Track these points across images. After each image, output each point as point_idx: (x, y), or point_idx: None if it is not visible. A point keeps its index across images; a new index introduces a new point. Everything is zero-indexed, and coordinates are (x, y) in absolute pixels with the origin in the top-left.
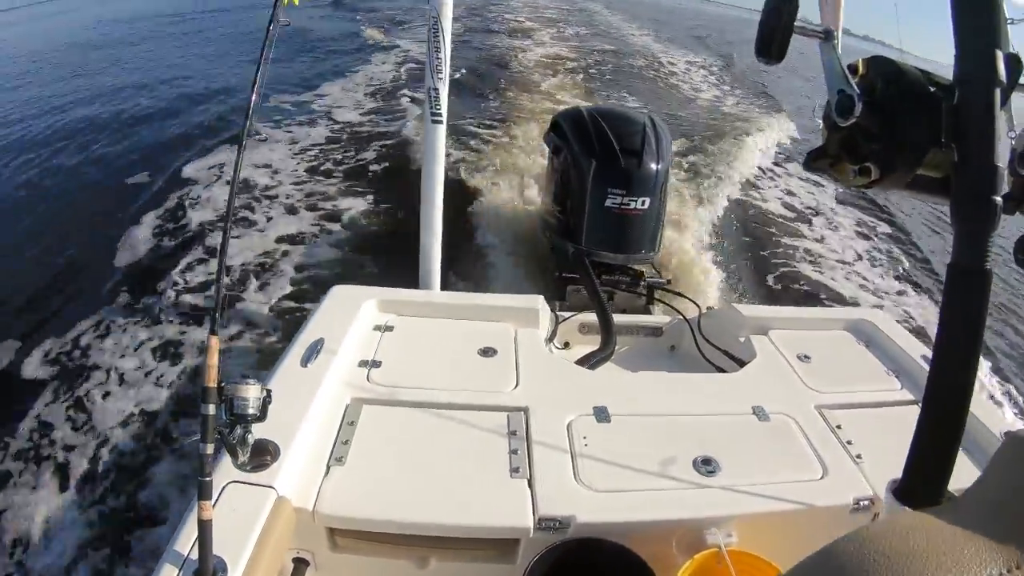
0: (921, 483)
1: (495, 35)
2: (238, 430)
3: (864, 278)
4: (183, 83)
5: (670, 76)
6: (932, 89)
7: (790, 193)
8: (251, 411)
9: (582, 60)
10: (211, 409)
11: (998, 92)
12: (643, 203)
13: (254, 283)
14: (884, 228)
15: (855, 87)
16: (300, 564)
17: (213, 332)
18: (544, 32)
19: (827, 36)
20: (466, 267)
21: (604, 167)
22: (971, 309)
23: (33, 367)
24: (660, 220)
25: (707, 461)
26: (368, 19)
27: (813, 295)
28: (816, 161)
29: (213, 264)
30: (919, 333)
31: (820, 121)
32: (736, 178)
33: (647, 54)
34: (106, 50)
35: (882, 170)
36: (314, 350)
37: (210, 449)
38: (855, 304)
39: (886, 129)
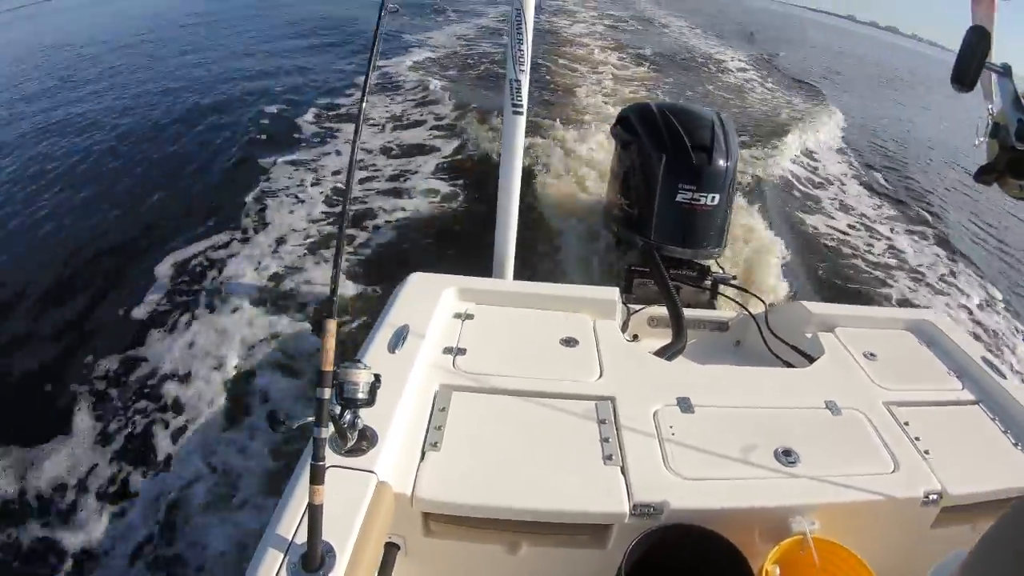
0: None
1: (547, 31)
2: (347, 414)
3: (916, 280)
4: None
5: (720, 71)
6: None
7: (839, 188)
8: (361, 395)
9: (634, 53)
10: (327, 393)
11: None
12: (712, 199)
13: (325, 267)
14: (930, 230)
15: None
16: (391, 548)
17: (330, 316)
18: (597, 26)
19: (1006, 71)
20: (531, 257)
21: (675, 162)
22: None
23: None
24: (727, 216)
25: (787, 452)
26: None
27: (867, 295)
28: (984, 176)
29: (292, 249)
30: (974, 336)
31: (982, 140)
32: (783, 174)
33: (696, 50)
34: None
35: None
36: (400, 336)
37: (325, 433)
38: (909, 304)
39: None
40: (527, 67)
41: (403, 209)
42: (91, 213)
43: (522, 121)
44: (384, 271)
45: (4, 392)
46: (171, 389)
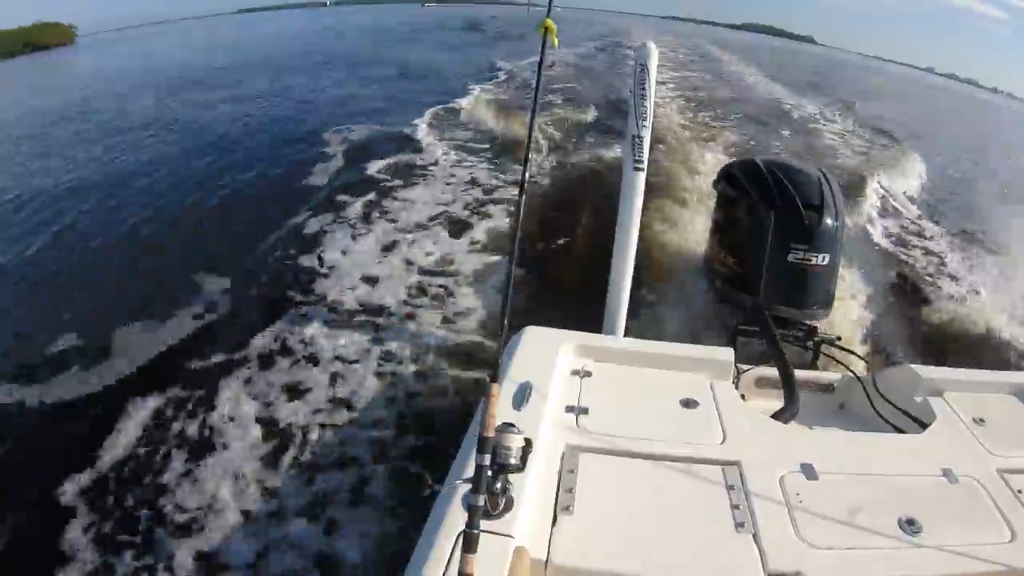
0: None
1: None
2: (500, 480)
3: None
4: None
5: (798, 121)
6: None
7: (927, 240)
8: (513, 461)
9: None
10: (487, 460)
11: None
12: (823, 259)
13: (437, 314)
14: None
15: None
16: None
17: (494, 379)
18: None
19: None
20: (634, 310)
21: (786, 221)
22: None
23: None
24: (836, 277)
25: (911, 521)
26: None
27: (969, 354)
28: None
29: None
30: None
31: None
32: (872, 228)
33: (770, 101)
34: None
35: None
36: (524, 394)
37: (481, 500)
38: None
39: None
40: (649, 123)
41: (503, 254)
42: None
43: (642, 177)
44: (492, 323)
45: None
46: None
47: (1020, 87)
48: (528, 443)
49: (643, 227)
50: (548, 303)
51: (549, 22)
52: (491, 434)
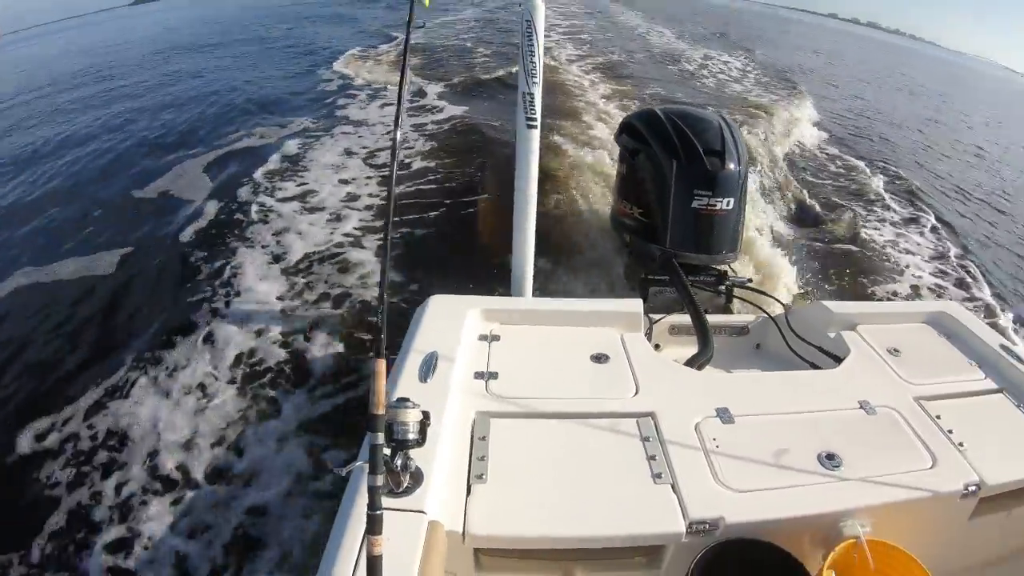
0: None
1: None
2: (399, 457)
3: (927, 272)
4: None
5: (699, 73)
6: None
7: (836, 182)
8: (412, 436)
9: (613, 60)
10: (380, 438)
11: None
12: (727, 203)
13: (338, 290)
14: (931, 220)
15: None
16: None
17: (380, 355)
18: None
19: None
20: (544, 272)
21: (688, 168)
22: None
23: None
24: (741, 220)
25: (830, 456)
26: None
27: (876, 289)
28: None
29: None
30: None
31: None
32: (779, 170)
33: (675, 53)
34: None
35: None
36: (430, 365)
37: (380, 480)
38: (923, 297)
39: None
40: (539, 79)
41: (409, 228)
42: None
43: (536, 135)
44: (400, 296)
45: None
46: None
47: (919, 27)
48: (426, 416)
49: (549, 185)
50: (456, 271)
51: None
52: (381, 412)
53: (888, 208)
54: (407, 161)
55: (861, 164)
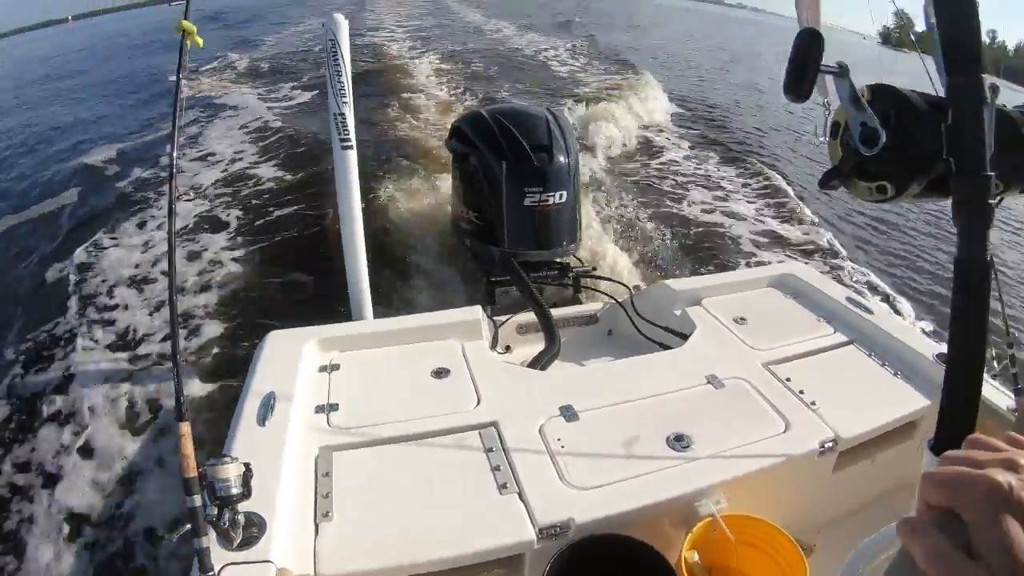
0: (949, 437)
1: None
2: (226, 513)
3: (770, 237)
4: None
5: (542, 62)
6: (930, 111)
7: (675, 161)
8: (235, 490)
9: (455, 58)
10: (197, 500)
11: (985, 110)
12: (560, 196)
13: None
14: (765, 183)
15: (877, 120)
16: None
17: (181, 419)
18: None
19: (843, 71)
20: (389, 290)
21: (517, 167)
22: (982, 290)
23: None
24: (577, 211)
25: (679, 437)
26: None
27: (726, 261)
28: (831, 180)
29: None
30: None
31: (823, 139)
32: (617, 155)
33: (515, 47)
34: None
35: (897, 187)
36: (268, 406)
37: (206, 542)
38: (766, 262)
39: (901, 153)
40: (350, 98)
41: (242, 270)
42: None
43: (353, 155)
44: (239, 338)
45: None
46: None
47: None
48: (247, 467)
49: (381, 200)
50: (298, 303)
51: (186, 24)
52: (193, 475)
53: (724, 178)
54: (217, 194)
55: (695, 140)
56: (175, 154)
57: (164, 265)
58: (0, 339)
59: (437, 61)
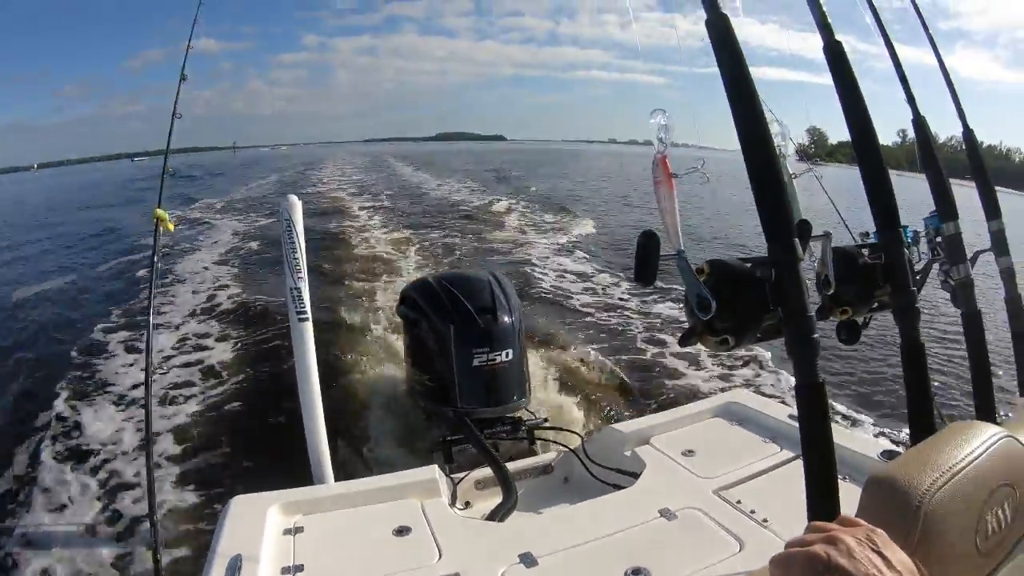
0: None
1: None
2: None
3: (709, 366)
4: None
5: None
6: (757, 274)
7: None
8: None
9: (400, 222)
10: None
11: (800, 265)
12: (507, 354)
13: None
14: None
15: (708, 292)
16: None
17: None
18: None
19: (680, 255)
20: (349, 451)
21: (464, 330)
22: (821, 407)
23: None
24: (524, 366)
25: (637, 571)
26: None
27: (673, 393)
28: (687, 340)
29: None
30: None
31: (681, 306)
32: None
33: (456, 204)
34: None
35: (736, 339)
36: (235, 568)
37: None
38: (704, 392)
39: (733, 313)
40: (304, 272)
41: (207, 434)
42: None
43: (309, 326)
44: (206, 502)
45: None
46: None
47: (693, 137)
48: None
49: (341, 365)
50: (261, 468)
51: (159, 212)
52: None
53: (665, 311)
54: (188, 362)
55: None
56: (151, 332)
57: (131, 433)
58: None
59: (383, 217)
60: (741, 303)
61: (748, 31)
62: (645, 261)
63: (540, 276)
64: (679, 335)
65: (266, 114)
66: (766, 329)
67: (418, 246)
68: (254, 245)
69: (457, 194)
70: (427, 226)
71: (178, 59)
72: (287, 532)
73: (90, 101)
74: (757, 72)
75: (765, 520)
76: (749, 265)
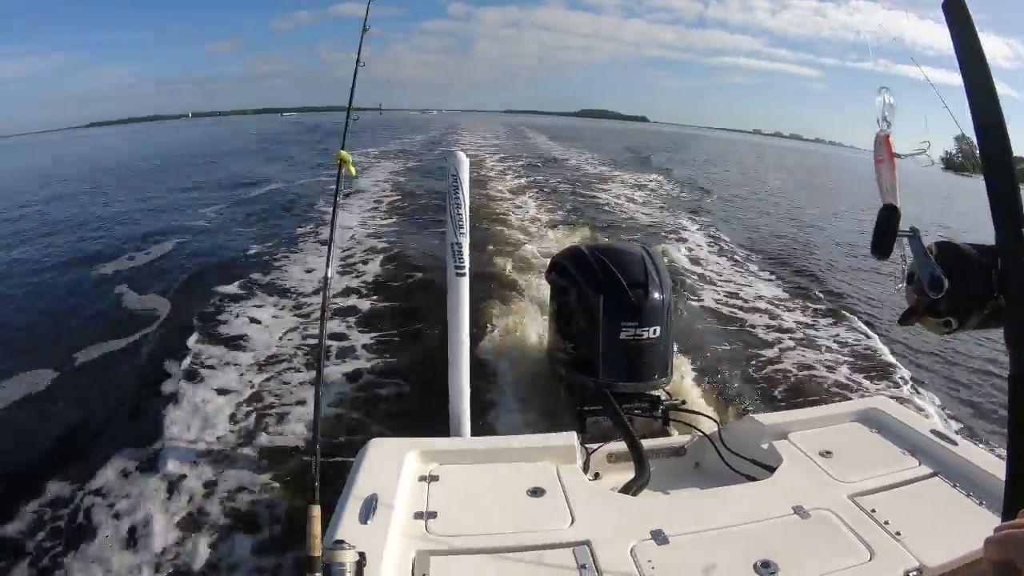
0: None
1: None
2: None
3: (853, 369)
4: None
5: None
6: (983, 259)
7: (756, 295)
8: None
9: (542, 187)
10: None
11: None
12: (654, 331)
13: (275, 438)
14: (842, 319)
15: (941, 271)
16: None
17: (314, 501)
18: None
19: (915, 234)
20: (485, 410)
21: (613, 301)
22: None
23: None
24: (670, 346)
25: (766, 564)
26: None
27: (812, 393)
28: (908, 319)
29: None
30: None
31: (901, 286)
32: (702, 289)
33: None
34: None
35: (960, 321)
36: (370, 507)
37: None
38: (849, 397)
39: (961, 294)
40: (467, 229)
41: (351, 374)
42: None
43: (466, 282)
44: (340, 439)
45: None
46: None
47: (839, 135)
48: (362, 556)
49: (487, 324)
50: (397, 412)
51: (344, 154)
52: (317, 554)
53: (807, 310)
54: (344, 304)
55: (777, 269)
56: (330, 261)
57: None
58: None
59: (523, 183)
60: (970, 286)
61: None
62: (883, 235)
63: (677, 257)
64: (899, 314)
65: (408, 79)
66: (986, 316)
67: (555, 214)
68: (405, 199)
69: (595, 167)
70: (559, 192)
71: (324, 22)
72: (422, 479)
73: (239, 58)
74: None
75: (898, 533)
76: (974, 251)
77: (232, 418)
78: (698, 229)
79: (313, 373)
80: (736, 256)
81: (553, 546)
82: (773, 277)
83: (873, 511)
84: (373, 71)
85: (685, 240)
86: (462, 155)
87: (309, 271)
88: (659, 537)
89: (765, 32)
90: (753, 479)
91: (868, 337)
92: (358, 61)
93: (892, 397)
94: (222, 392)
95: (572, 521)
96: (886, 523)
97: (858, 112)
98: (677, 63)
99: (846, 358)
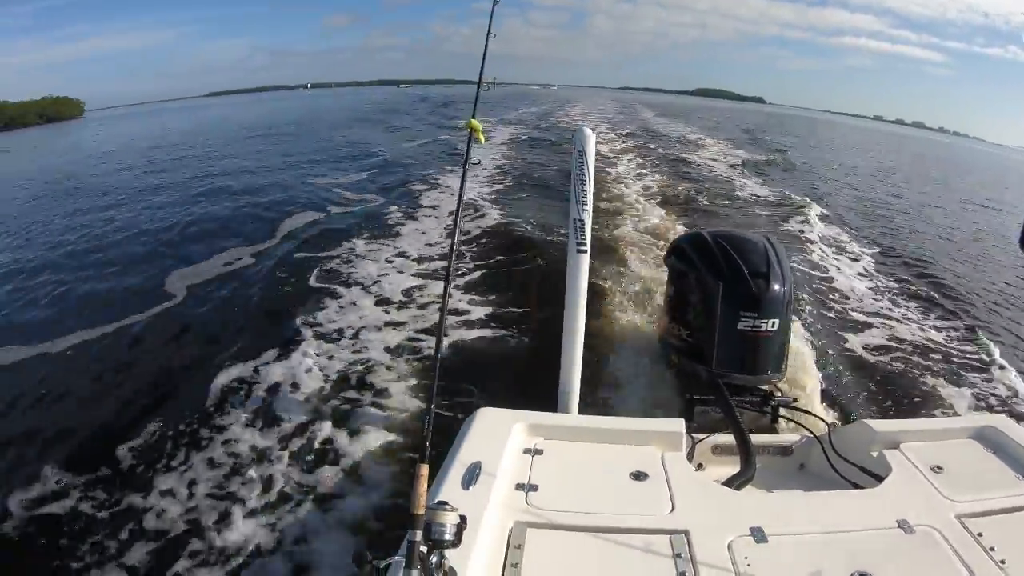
0: None
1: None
2: (434, 556)
3: (966, 380)
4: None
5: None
6: None
7: (870, 294)
8: (448, 537)
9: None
10: (418, 535)
11: None
12: (773, 324)
13: (388, 398)
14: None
15: None
16: None
17: (424, 460)
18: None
19: None
20: (591, 387)
21: (733, 290)
22: None
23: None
24: (786, 340)
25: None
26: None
27: (925, 403)
28: None
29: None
30: None
31: None
32: (821, 284)
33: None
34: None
35: None
36: (473, 473)
37: (415, 575)
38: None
39: None
40: (590, 206)
41: (463, 342)
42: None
43: (586, 259)
44: (448, 405)
45: None
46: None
47: (964, 125)
48: (463, 519)
49: (599, 303)
50: (505, 383)
51: (474, 122)
52: (421, 512)
53: (928, 315)
54: (460, 271)
55: (895, 269)
56: (457, 239)
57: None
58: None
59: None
60: None
61: None
62: None
63: (801, 249)
64: None
65: (520, 54)
66: None
67: (669, 194)
68: (524, 170)
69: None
70: (671, 174)
71: None
72: (527, 451)
73: (354, 31)
74: None
75: (1003, 562)
76: None
77: (346, 370)
78: (825, 225)
79: (433, 339)
80: (864, 256)
81: (650, 531)
82: (900, 284)
83: (980, 535)
84: (491, 46)
85: (809, 239)
86: (589, 131)
87: (429, 237)
88: (758, 535)
89: (887, 11)
90: (859, 487)
91: (992, 355)
92: (488, 32)
93: (1013, 416)
94: (344, 345)
95: (672, 508)
96: (992, 549)
97: (977, 99)
98: (796, 42)
99: (970, 375)
